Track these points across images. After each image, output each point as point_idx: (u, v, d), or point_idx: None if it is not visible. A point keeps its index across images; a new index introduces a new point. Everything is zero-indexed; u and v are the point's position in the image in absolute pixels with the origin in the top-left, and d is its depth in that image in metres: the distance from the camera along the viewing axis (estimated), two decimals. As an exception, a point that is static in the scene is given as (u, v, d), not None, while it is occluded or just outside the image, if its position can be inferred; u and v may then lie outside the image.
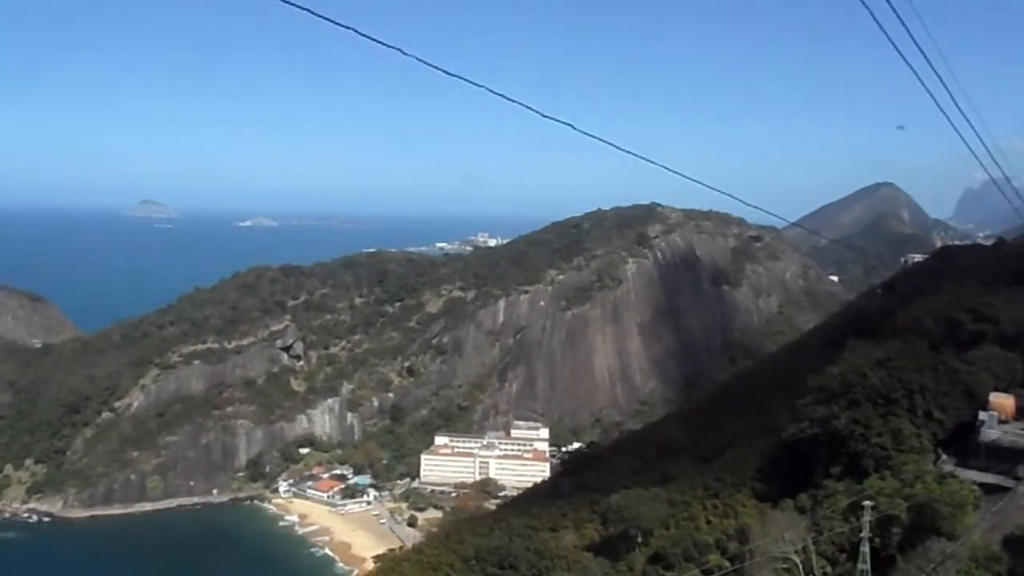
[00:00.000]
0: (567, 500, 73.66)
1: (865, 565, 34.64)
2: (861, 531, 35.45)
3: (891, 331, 67.32)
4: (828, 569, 36.93)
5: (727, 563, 38.41)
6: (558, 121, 20.86)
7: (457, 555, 70.82)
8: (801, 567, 35.76)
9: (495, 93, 19.11)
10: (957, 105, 25.08)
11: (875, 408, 47.60)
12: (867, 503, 35.91)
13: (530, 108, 20.16)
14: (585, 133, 21.98)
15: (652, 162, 25.19)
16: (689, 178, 26.52)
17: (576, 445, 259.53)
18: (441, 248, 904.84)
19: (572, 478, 78.58)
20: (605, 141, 22.54)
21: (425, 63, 17.59)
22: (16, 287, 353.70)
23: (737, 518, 50.35)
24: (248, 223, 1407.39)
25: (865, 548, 34.91)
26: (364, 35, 16.52)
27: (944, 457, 45.52)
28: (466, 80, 18.81)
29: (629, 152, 23.94)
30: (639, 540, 52.90)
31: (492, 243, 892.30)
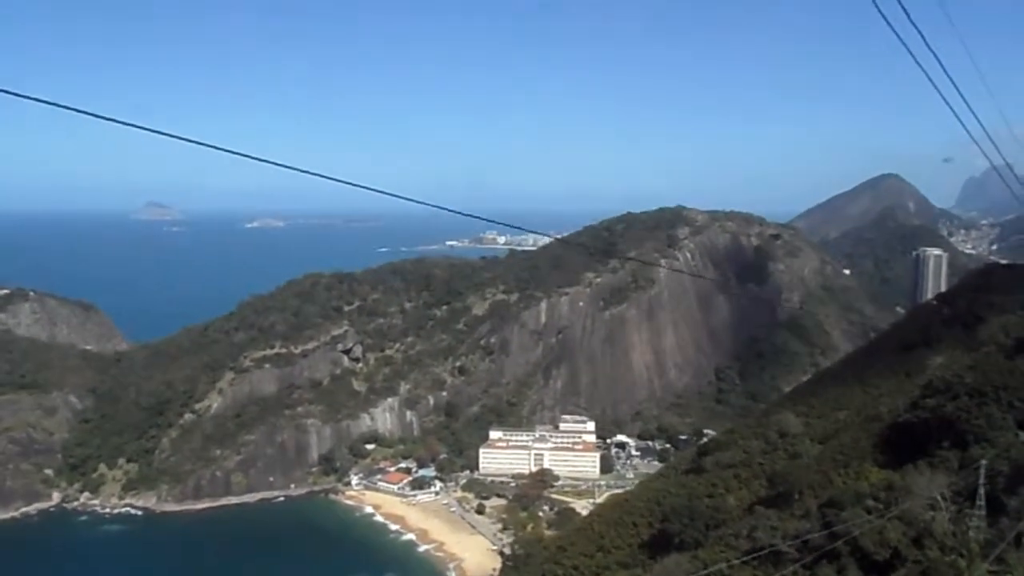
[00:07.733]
0: (712, 473, 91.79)
1: (981, 502, 53.61)
2: (978, 480, 54.30)
3: (974, 344, 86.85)
4: (953, 507, 55.71)
5: (881, 506, 57.03)
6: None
7: (636, 515, 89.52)
8: (943, 504, 54.39)
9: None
10: (959, 91, 25.76)
11: (971, 399, 66.37)
12: (983, 461, 54.71)
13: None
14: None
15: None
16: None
17: (620, 437, 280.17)
18: (451, 246, 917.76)
19: (710, 457, 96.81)
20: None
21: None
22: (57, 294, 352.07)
23: (868, 480, 68.88)
24: (256, 224, 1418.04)
25: (981, 491, 53.76)
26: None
27: (1021, 434, 64.32)
28: None
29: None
30: (796, 497, 71.40)
31: (501, 240, 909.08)
